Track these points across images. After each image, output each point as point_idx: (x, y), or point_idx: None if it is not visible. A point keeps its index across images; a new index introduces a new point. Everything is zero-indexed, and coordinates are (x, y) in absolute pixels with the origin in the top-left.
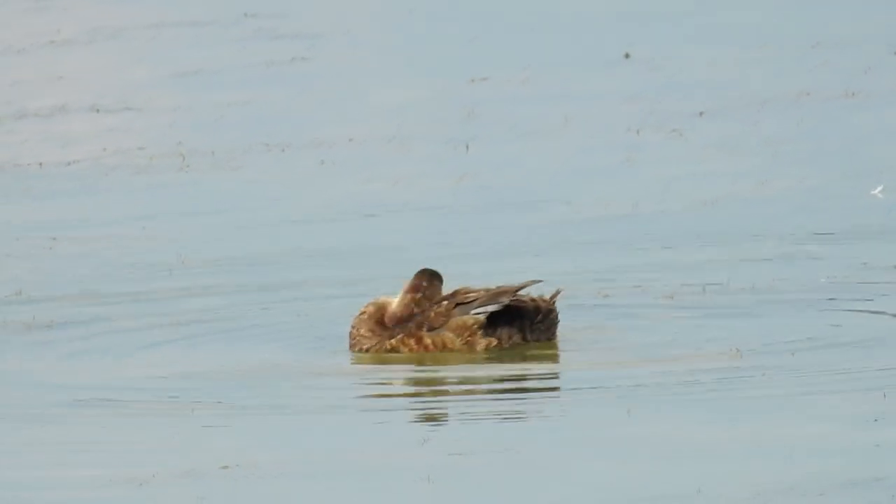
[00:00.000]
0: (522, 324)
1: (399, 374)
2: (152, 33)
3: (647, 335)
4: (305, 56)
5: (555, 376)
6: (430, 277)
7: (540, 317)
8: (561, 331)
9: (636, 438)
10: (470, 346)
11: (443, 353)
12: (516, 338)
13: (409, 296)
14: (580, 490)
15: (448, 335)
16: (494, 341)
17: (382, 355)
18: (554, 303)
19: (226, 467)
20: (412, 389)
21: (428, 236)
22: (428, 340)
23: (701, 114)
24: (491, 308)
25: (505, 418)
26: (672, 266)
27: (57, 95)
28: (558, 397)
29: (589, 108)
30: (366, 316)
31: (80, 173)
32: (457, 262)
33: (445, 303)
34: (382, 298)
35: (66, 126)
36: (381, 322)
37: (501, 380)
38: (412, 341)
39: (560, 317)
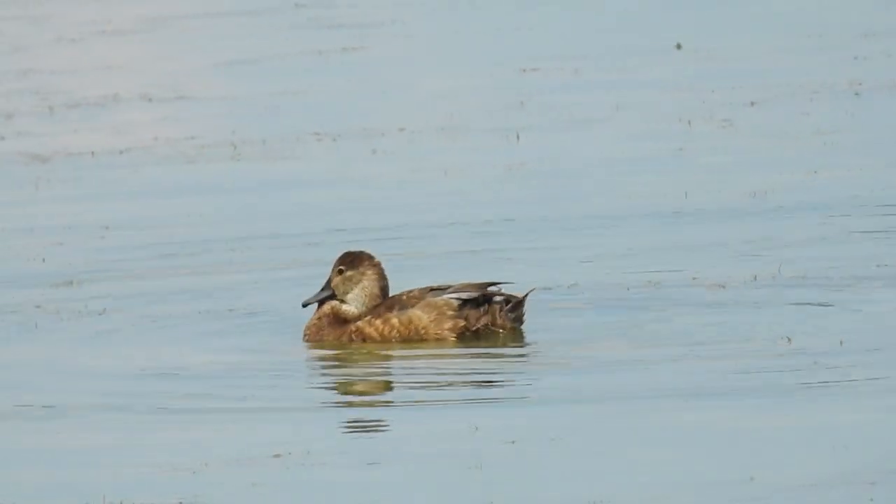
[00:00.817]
0: (492, 309)
1: (441, 361)
2: (204, 23)
3: (697, 324)
4: (357, 45)
5: (604, 364)
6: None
7: (510, 305)
8: (607, 318)
9: (687, 426)
10: (437, 324)
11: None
12: (484, 320)
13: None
14: (631, 477)
15: (416, 313)
16: (462, 322)
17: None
18: (525, 298)
19: (278, 455)
20: (457, 378)
21: (478, 225)
22: (395, 320)
23: (752, 104)
24: (464, 295)
25: (554, 405)
26: (722, 255)
27: (109, 85)
28: (608, 385)
29: (640, 98)
30: (324, 315)
31: (131, 162)
32: (506, 250)
33: (419, 288)
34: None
35: (117, 115)
36: (338, 319)
37: (550, 366)
38: (378, 321)
39: (584, 311)
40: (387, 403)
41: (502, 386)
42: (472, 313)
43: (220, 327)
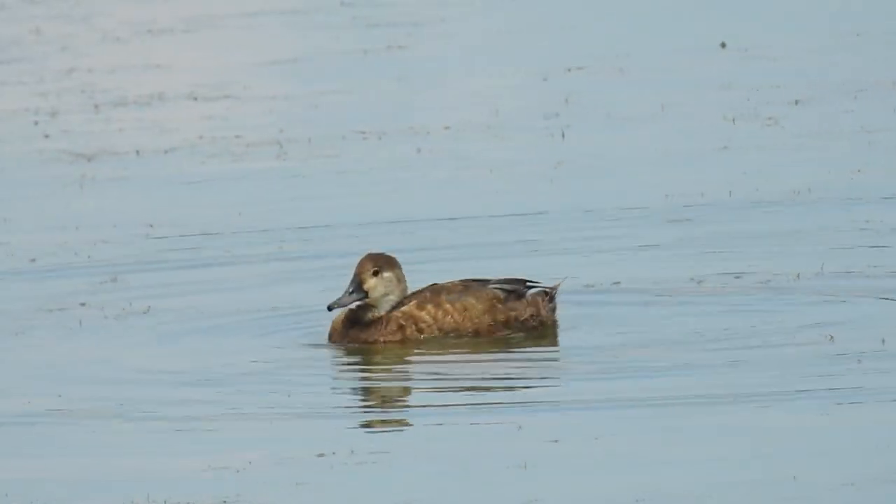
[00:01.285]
0: (534, 300)
1: (483, 361)
2: (249, 21)
3: (741, 322)
4: (402, 44)
5: (649, 362)
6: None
7: (548, 299)
8: (649, 315)
9: (730, 426)
10: (490, 314)
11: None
12: (530, 310)
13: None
14: (674, 476)
15: (469, 300)
16: (513, 312)
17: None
18: (556, 289)
19: (321, 455)
20: (500, 373)
21: (523, 224)
22: (448, 306)
23: (796, 102)
24: (507, 286)
25: (596, 406)
26: (766, 253)
27: (154, 84)
28: (653, 384)
29: (685, 97)
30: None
31: (176, 161)
32: (550, 247)
33: (451, 282)
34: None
35: (163, 114)
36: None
37: (591, 363)
38: (430, 306)
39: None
40: (427, 405)
41: (544, 387)
42: (517, 304)
43: (263, 326)
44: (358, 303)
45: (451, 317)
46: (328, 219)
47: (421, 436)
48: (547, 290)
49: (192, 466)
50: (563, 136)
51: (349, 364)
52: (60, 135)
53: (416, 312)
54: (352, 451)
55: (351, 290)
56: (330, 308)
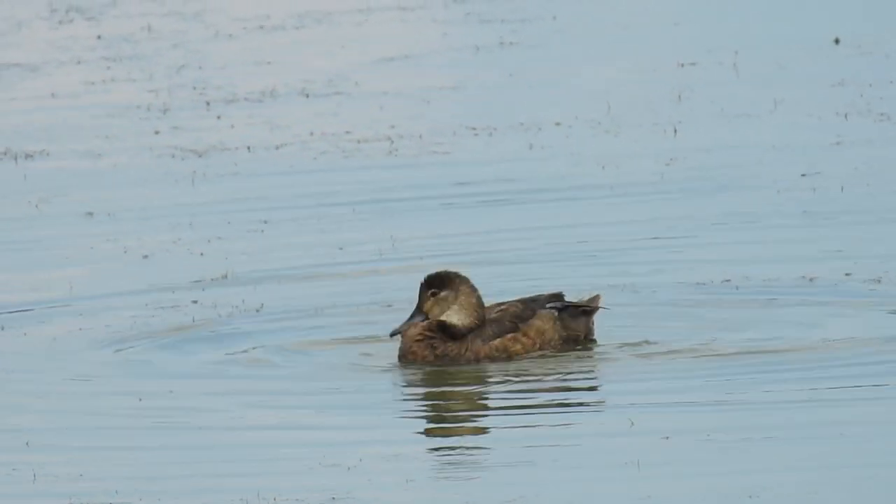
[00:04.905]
0: (586, 319)
1: (596, 362)
2: (360, 18)
3: (849, 320)
4: (513, 40)
5: (758, 360)
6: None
7: (593, 317)
8: (751, 313)
9: (839, 421)
10: (556, 333)
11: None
12: (584, 329)
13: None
14: (787, 474)
15: (538, 323)
16: (573, 333)
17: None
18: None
19: (432, 450)
20: (610, 372)
21: (636, 220)
22: (532, 331)
23: None
24: (558, 304)
25: (706, 404)
26: (879, 250)
27: (266, 80)
28: (755, 381)
29: (798, 92)
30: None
31: (288, 157)
32: (663, 244)
33: (504, 302)
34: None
35: (274, 110)
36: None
37: (703, 361)
38: (522, 336)
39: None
40: (534, 405)
41: (650, 382)
42: (572, 323)
43: (372, 323)
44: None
45: (533, 340)
46: (439, 216)
47: (529, 434)
48: (585, 307)
49: (304, 463)
50: (675, 132)
51: (442, 367)
52: (172, 131)
53: (512, 346)
54: (461, 447)
55: (413, 314)
56: (392, 335)
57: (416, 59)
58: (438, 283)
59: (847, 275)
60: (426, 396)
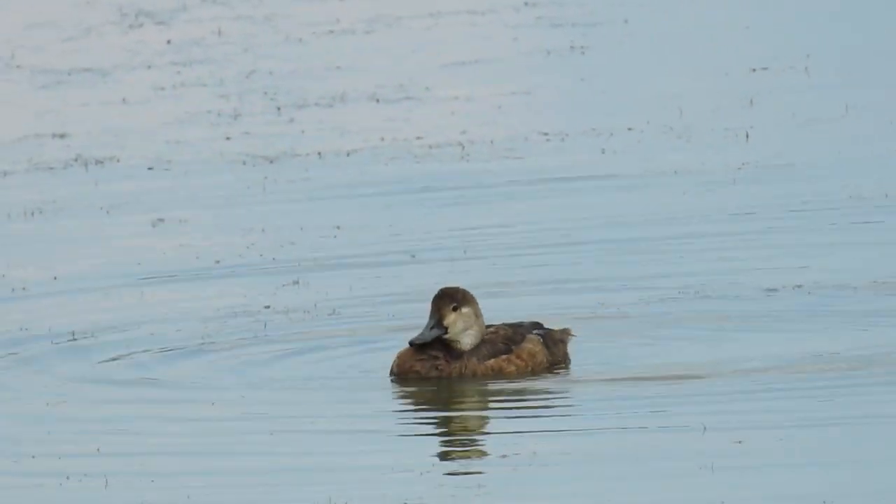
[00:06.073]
0: (564, 346)
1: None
2: (430, 22)
3: None
4: (584, 44)
5: (833, 362)
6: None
7: (561, 345)
8: (823, 317)
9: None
10: (545, 356)
11: None
12: (560, 355)
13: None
14: (863, 475)
15: (529, 346)
16: (554, 358)
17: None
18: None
19: (504, 456)
20: (683, 371)
21: (708, 225)
22: (525, 354)
23: None
24: (542, 332)
25: (781, 401)
26: None
27: (336, 85)
28: (834, 382)
29: (869, 98)
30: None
31: (358, 163)
32: (734, 250)
33: (498, 325)
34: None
35: (344, 115)
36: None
37: (775, 360)
38: (515, 358)
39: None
40: (605, 405)
41: (721, 381)
42: (553, 349)
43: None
44: (436, 336)
45: (525, 362)
46: (511, 220)
47: (603, 437)
48: (559, 335)
49: (375, 468)
50: (746, 137)
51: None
52: (242, 137)
53: (507, 368)
54: (534, 453)
55: (431, 325)
56: (412, 344)
57: (487, 63)
58: (460, 299)
59: None
60: (502, 397)
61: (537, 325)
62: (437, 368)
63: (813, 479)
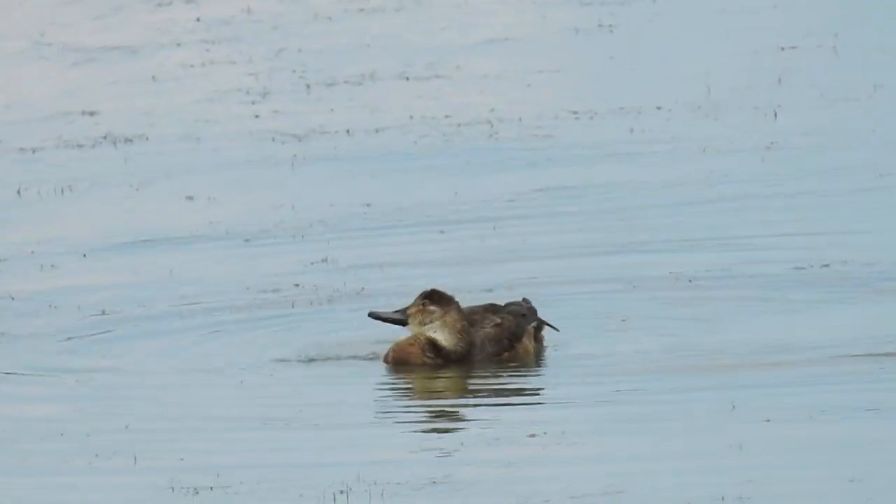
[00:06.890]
0: (540, 336)
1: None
2: (460, 0)
3: None
4: (612, 22)
5: (862, 349)
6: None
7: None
8: (844, 300)
9: None
10: (533, 346)
11: None
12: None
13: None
14: (891, 457)
15: (526, 341)
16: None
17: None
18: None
19: (532, 435)
20: (704, 356)
21: (735, 204)
22: (522, 350)
23: None
24: (535, 323)
25: (809, 386)
26: None
27: (365, 63)
28: (861, 366)
29: None
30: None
31: (387, 140)
32: (762, 229)
33: (503, 315)
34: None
35: (373, 93)
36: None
37: (809, 347)
38: (521, 349)
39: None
40: (634, 386)
41: (749, 366)
42: (536, 336)
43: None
44: (397, 325)
45: (523, 359)
46: (540, 200)
47: (631, 416)
48: (545, 324)
49: (403, 448)
50: (775, 116)
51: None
52: (271, 115)
53: (517, 357)
54: (563, 432)
55: (399, 309)
56: (370, 315)
57: (516, 41)
58: (435, 298)
59: None
60: (527, 376)
61: (527, 302)
62: (430, 358)
63: (840, 459)
